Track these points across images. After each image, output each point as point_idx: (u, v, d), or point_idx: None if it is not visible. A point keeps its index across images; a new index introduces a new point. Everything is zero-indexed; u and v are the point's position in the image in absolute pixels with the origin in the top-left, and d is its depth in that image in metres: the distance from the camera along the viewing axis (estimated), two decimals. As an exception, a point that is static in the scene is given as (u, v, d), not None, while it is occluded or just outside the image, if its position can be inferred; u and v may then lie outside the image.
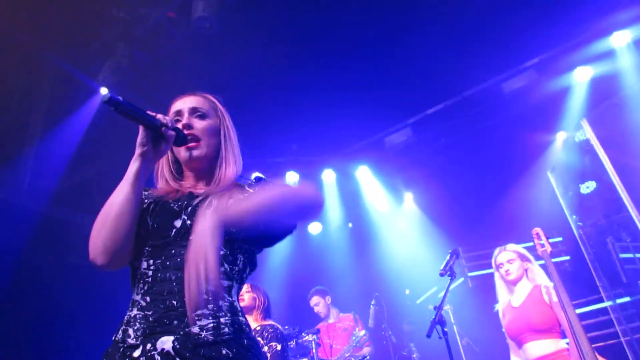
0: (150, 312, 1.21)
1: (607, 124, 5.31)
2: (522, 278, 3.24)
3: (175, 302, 1.20)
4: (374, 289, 5.81)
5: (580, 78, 5.41)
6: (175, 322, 1.18)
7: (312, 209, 1.34)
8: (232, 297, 1.28)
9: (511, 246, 3.36)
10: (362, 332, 4.52)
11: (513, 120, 5.83)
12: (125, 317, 1.25)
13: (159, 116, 1.32)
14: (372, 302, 5.36)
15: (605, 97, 5.41)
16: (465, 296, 6.30)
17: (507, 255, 3.29)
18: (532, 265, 3.26)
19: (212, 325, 1.18)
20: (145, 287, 1.25)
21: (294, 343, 4.02)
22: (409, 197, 7.38)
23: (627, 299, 5.08)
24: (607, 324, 5.15)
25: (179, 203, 1.36)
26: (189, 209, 1.33)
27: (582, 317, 4.27)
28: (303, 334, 4.06)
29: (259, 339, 3.19)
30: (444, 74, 5.21)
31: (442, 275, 3.12)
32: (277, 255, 7.02)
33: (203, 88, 1.59)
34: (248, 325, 1.30)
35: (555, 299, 2.91)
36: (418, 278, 6.37)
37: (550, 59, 5.33)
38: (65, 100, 4.68)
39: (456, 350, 4.98)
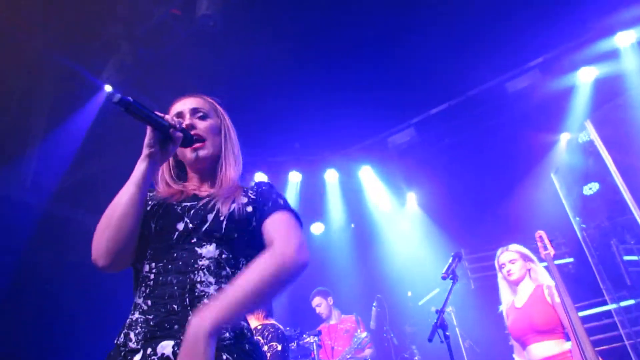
0: (151, 316, 1.19)
1: (611, 125, 5.28)
2: (525, 278, 3.22)
3: (176, 307, 1.19)
4: (376, 290, 5.79)
5: (584, 78, 5.38)
6: (176, 326, 1.16)
7: (298, 274, 1.30)
8: None
9: (514, 246, 3.34)
10: (364, 334, 4.50)
11: (517, 120, 5.81)
12: (127, 321, 1.24)
13: (167, 117, 1.31)
14: (374, 304, 5.35)
15: (609, 97, 5.38)
16: (467, 298, 6.27)
17: (509, 256, 3.28)
18: (534, 265, 3.24)
19: None
20: (147, 291, 1.24)
21: (295, 344, 4.00)
22: (411, 197, 7.34)
23: (631, 301, 5.04)
24: (610, 327, 5.10)
25: (183, 205, 1.35)
26: (192, 211, 1.32)
27: (585, 320, 4.25)
28: (304, 335, 4.05)
29: (259, 338, 3.15)
30: (448, 73, 5.20)
31: (444, 278, 3.11)
32: (279, 255, 6.99)
33: (206, 86, 1.59)
34: (250, 330, 1.28)
35: (557, 299, 2.90)
36: (420, 279, 6.33)
37: (554, 59, 5.30)
38: (69, 98, 4.68)
39: (458, 352, 4.95)
